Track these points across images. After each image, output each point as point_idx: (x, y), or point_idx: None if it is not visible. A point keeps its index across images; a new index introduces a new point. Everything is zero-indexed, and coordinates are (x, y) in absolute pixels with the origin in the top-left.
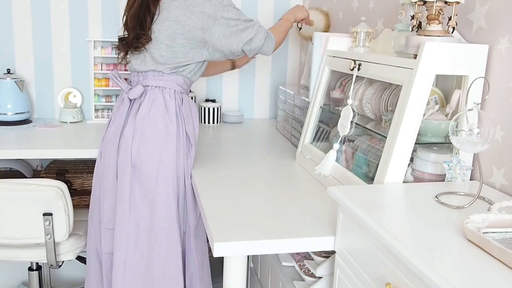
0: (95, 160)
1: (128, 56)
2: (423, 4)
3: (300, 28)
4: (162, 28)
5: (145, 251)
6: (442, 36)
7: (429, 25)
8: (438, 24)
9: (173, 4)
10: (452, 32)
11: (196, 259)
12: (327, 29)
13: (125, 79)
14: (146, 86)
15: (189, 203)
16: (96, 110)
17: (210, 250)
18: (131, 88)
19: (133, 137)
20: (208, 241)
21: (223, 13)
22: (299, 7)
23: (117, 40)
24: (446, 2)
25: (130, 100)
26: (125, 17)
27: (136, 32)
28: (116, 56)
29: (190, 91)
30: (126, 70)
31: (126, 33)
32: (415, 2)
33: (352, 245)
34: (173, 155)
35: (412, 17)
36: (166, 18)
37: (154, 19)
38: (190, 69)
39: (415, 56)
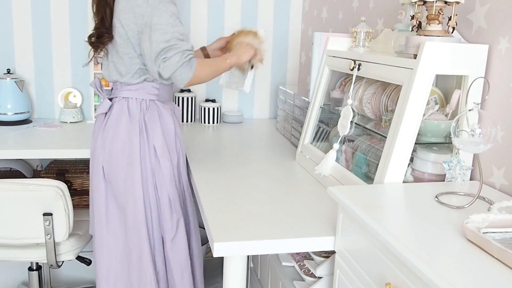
0: None
1: (100, 56)
2: (423, 4)
3: (252, 67)
4: (116, 34)
5: (125, 261)
6: (442, 36)
7: (429, 25)
8: (438, 24)
9: (118, 6)
10: (452, 32)
11: (174, 271)
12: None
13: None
14: (114, 97)
15: (163, 216)
16: (96, 110)
17: (209, 252)
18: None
19: (104, 152)
20: (190, 253)
21: (159, 16)
22: (245, 47)
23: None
24: (446, 2)
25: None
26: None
27: (99, 30)
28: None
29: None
30: None
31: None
32: (415, 2)
33: (352, 245)
34: (137, 168)
35: (412, 17)
36: (116, 21)
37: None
38: None
39: (415, 56)
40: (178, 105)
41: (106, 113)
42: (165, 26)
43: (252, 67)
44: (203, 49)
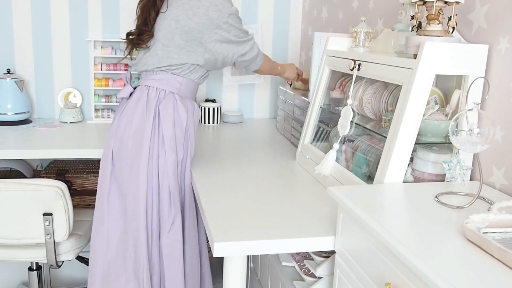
0: (95, 160)
1: (135, 51)
2: (423, 4)
3: (291, 84)
4: (161, 26)
5: (121, 247)
6: (442, 36)
7: (429, 25)
8: (438, 24)
9: (176, 3)
10: (452, 32)
11: (165, 266)
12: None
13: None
14: (137, 86)
15: (163, 207)
16: (96, 110)
17: (209, 252)
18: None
19: (116, 135)
20: (200, 251)
21: (227, 20)
22: (292, 68)
23: (116, 40)
24: (446, 2)
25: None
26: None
27: (140, 28)
28: (124, 51)
29: None
30: (126, 70)
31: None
32: (415, 2)
33: (352, 245)
34: (145, 154)
35: (412, 17)
36: (166, 16)
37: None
38: (184, 68)
39: (415, 56)
40: None
41: (128, 99)
42: (238, 26)
43: (290, 84)
44: None
